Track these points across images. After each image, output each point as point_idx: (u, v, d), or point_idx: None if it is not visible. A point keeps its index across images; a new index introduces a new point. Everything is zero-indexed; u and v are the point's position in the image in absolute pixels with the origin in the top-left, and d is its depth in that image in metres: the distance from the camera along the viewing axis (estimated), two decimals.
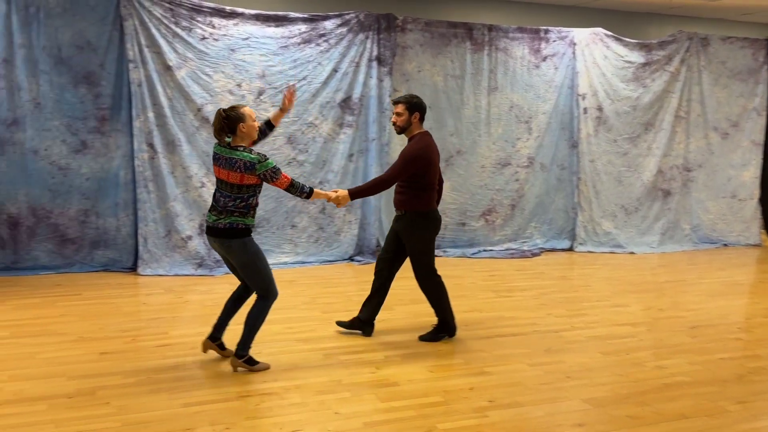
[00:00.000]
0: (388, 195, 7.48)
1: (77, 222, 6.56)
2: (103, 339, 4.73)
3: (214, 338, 4.32)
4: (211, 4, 6.69)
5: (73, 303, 5.60)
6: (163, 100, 6.54)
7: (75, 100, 6.39)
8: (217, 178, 4.05)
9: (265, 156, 3.97)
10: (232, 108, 4.02)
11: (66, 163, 6.43)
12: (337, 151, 7.20)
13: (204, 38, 6.64)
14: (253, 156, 3.92)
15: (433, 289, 4.82)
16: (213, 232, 4.01)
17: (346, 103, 7.17)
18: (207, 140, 6.72)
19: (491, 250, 7.94)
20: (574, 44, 8.18)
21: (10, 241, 6.38)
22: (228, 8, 6.73)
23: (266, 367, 4.18)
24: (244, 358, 4.11)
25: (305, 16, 6.99)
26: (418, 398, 3.76)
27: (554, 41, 8.13)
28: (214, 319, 5.02)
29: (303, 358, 4.35)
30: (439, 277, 4.83)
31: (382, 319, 5.23)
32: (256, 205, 4.08)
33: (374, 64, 7.22)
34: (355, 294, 6.02)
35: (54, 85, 6.34)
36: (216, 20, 6.67)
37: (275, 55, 6.89)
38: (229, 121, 3.96)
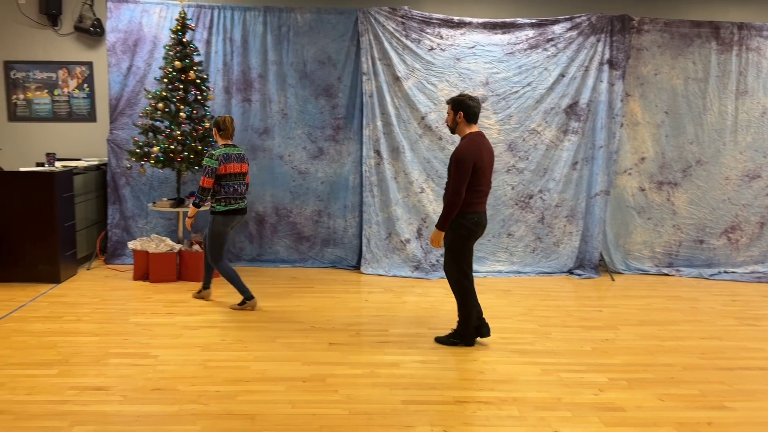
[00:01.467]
0: (614, 204, 7.13)
1: (311, 221, 7.13)
2: (331, 330, 5.03)
3: (249, 297, 5.55)
4: (440, 16, 6.86)
5: (306, 295, 6.06)
6: (391, 110, 6.82)
7: (315, 110, 6.95)
8: (234, 173, 5.41)
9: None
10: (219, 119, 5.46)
11: (305, 167, 7.02)
12: (559, 159, 6.98)
13: (431, 49, 6.82)
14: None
15: (459, 291, 4.70)
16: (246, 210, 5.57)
17: (572, 109, 6.93)
18: (428, 147, 6.89)
19: (733, 273, 7.14)
20: None
21: (257, 236, 7.14)
22: (456, 18, 6.84)
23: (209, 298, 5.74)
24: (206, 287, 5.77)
25: (533, 21, 6.89)
26: (648, 427, 3.51)
27: None
28: (430, 321, 5.21)
29: (520, 371, 4.27)
30: (469, 282, 4.69)
31: (605, 339, 4.98)
32: None
33: (605, 67, 6.88)
34: (575, 309, 5.79)
35: (298, 97, 6.95)
36: (444, 31, 6.82)
37: (500, 62, 6.87)
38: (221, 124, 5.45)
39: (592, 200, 6.99)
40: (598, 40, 6.85)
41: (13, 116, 7.70)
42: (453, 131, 4.74)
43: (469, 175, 4.47)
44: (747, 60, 7.05)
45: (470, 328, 4.75)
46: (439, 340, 4.82)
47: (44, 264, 6.23)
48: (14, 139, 7.63)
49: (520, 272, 6.96)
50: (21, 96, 7.67)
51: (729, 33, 7.01)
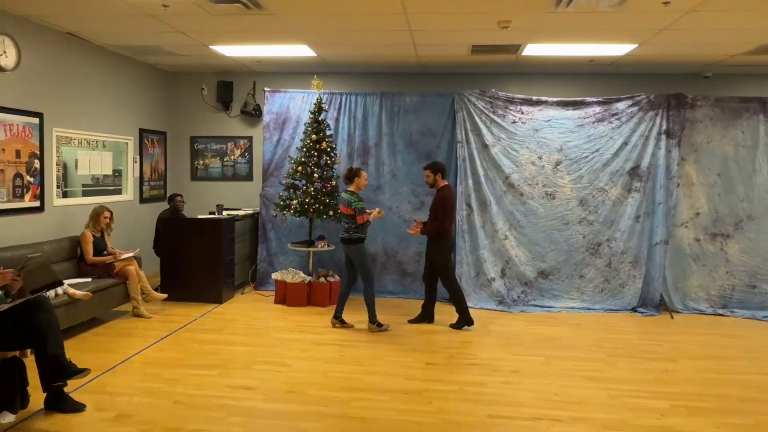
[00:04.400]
0: (672, 252, 6.70)
1: (414, 261, 7.14)
2: (429, 352, 4.96)
3: (338, 316, 5.64)
4: (522, 96, 6.85)
5: (427, 325, 5.92)
6: (480, 171, 6.80)
7: (418, 172, 6.96)
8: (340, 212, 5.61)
9: (361, 199, 5.44)
10: (352, 169, 5.57)
11: (409, 217, 7.01)
12: (624, 213, 6.68)
13: (514, 122, 6.79)
14: (354, 198, 5.38)
15: (452, 289, 5.62)
16: (345, 241, 5.46)
17: (634, 171, 6.65)
18: (511, 202, 6.78)
19: None
20: None
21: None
22: (534, 98, 6.81)
23: (387, 328, 5.55)
24: (375, 323, 5.51)
25: (600, 99, 6.74)
26: None
27: None
28: (512, 348, 5.00)
29: (589, 395, 4.05)
30: (456, 282, 5.70)
31: (665, 370, 4.64)
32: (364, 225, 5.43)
33: (663, 137, 6.58)
34: (639, 341, 5.47)
35: (405, 161, 7.09)
36: (525, 107, 6.80)
37: (572, 133, 6.74)
38: (351, 173, 5.49)
39: (653, 248, 6.63)
40: (656, 114, 6.60)
41: (194, 176, 8.33)
42: (432, 186, 5.67)
43: (452, 214, 5.59)
44: None
45: (465, 312, 5.65)
46: (453, 326, 5.72)
47: (211, 289, 6.55)
48: (194, 194, 8.24)
49: (590, 309, 6.65)
50: (201, 162, 8.29)
51: None
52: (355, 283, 5.71)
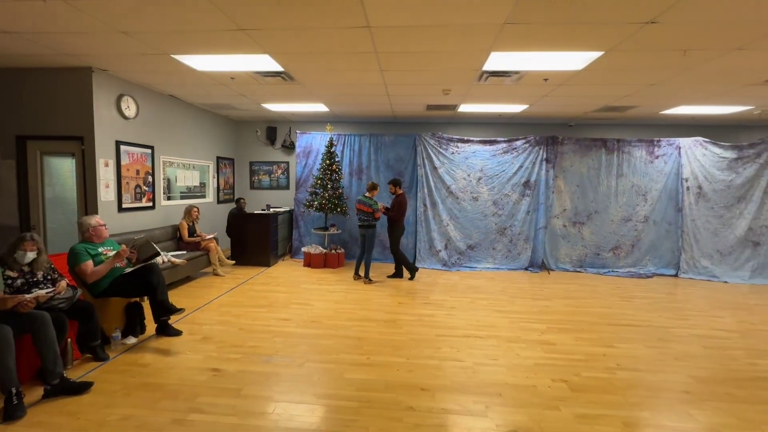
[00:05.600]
0: (549, 233, 6.79)
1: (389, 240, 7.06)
2: (400, 296, 4.97)
3: (357, 273, 5.53)
4: (457, 136, 6.81)
5: (386, 278, 5.97)
6: (432, 183, 6.77)
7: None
8: (358, 209, 5.32)
9: (377, 202, 5.25)
10: (373, 183, 5.40)
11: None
12: (520, 209, 6.72)
13: (453, 153, 6.77)
14: (373, 202, 5.23)
15: (400, 255, 5.58)
16: (363, 227, 5.32)
17: (526, 184, 6.70)
18: (451, 203, 6.73)
19: (617, 271, 6.61)
20: (680, 147, 6.54)
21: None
22: (465, 138, 6.79)
23: (374, 282, 5.36)
24: (368, 278, 5.38)
25: (505, 139, 6.75)
26: (568, 354, 3.35)
27: (664, 146, 6.61)
28: (452, 293, 4.97)
29: (498, 321, 4.12)
30: (401, 252, 5.59)
31: (545, 305, 4.71)
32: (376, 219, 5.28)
33: (544, 162, 6.64)
34: (528, 288, 5.53)
35: (385, 177, 6.96)
36: (459, 144, 6.77)
37: (488, 160, 6.73)
38: (372, 186, 5.32)
39: (538, 231, 6.69)
40: (540, 148, 6.64)
41: (252, 186, 8.15)
42: (393, 193, 5.57)
43: (404, 211, 5.44)
44: (622, 158, 6.65)
45: (411, 267, 5.58)
46: (411, 279, 5.61)
47: (262, 257, 6.44)
48: (252, 197, 8.07)
49: (499, 268, 6.68)
50: (256, 177, 8.13)
51: (612, 144, 6.65)
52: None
